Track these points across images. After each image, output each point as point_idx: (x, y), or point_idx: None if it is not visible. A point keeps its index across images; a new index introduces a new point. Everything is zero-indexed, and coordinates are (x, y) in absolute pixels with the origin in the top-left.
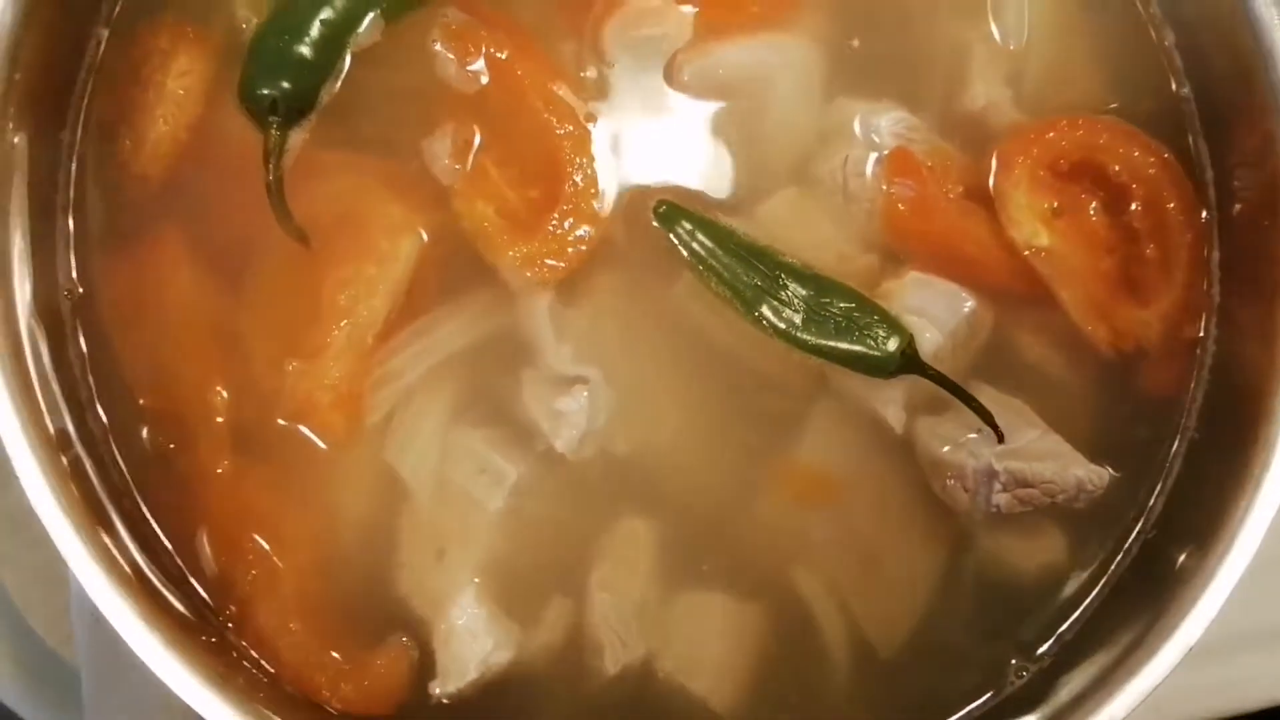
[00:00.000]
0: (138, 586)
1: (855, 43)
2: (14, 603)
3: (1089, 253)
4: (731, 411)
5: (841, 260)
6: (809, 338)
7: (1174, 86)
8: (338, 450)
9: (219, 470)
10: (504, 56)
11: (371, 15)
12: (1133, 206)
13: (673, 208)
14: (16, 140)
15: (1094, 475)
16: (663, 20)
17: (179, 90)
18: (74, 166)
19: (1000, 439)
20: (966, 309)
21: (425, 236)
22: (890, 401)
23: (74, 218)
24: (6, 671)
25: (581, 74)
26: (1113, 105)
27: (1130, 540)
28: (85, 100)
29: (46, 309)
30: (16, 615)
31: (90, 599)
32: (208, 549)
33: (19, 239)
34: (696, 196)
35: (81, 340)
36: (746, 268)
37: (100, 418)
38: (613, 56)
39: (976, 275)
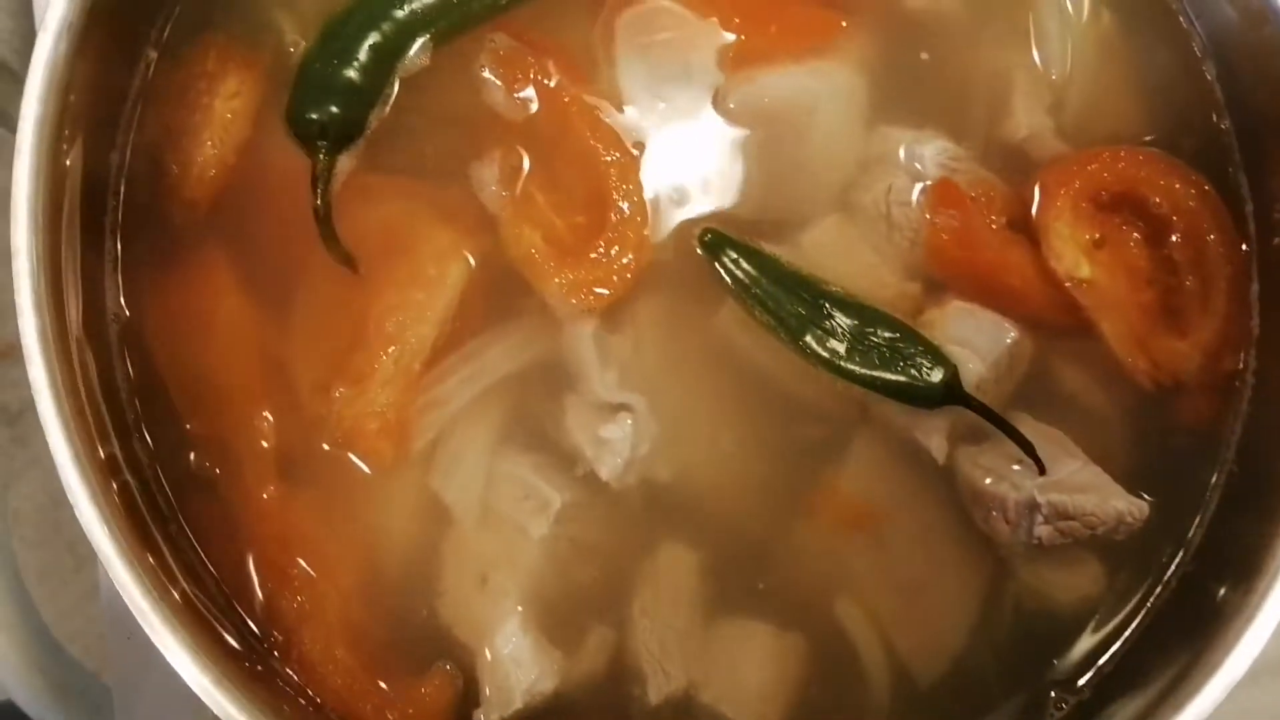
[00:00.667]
0: (185, 613)
1: (897, 70)
2: (36, 607)
3: (1129, 284)
4: (774, 439)
5: (884, 288)
6: (853, 367)
7: (1215, 119)
8: (383, 476)
9: (264, 496)
10: (551, 83)
11: (421, 40)
12: (1173, 238)
13: (718, 236)
14: (69, 161)
15: (1134, 508)
16: (679, 24)
17: (227, 114)
18: (123, 189)
19: (1041, 471)
20: (1009, 340)
21: (472, 262)
22: (933, 431)
23: (122, 241)
24: (31, 682)
25: (626, 103)
26: (1152, 137)
27: (1169, 573)
28: (134, 122)
29: (94, 332)
30: (39, 621)
31: (128, 618)
32: (253, 575)
33: (72, 261)
34: (740, 223)
35: (128, 364)
36: (791, 296)
37: (146, 443)
38: (625, 62)
39: (1018, 305)
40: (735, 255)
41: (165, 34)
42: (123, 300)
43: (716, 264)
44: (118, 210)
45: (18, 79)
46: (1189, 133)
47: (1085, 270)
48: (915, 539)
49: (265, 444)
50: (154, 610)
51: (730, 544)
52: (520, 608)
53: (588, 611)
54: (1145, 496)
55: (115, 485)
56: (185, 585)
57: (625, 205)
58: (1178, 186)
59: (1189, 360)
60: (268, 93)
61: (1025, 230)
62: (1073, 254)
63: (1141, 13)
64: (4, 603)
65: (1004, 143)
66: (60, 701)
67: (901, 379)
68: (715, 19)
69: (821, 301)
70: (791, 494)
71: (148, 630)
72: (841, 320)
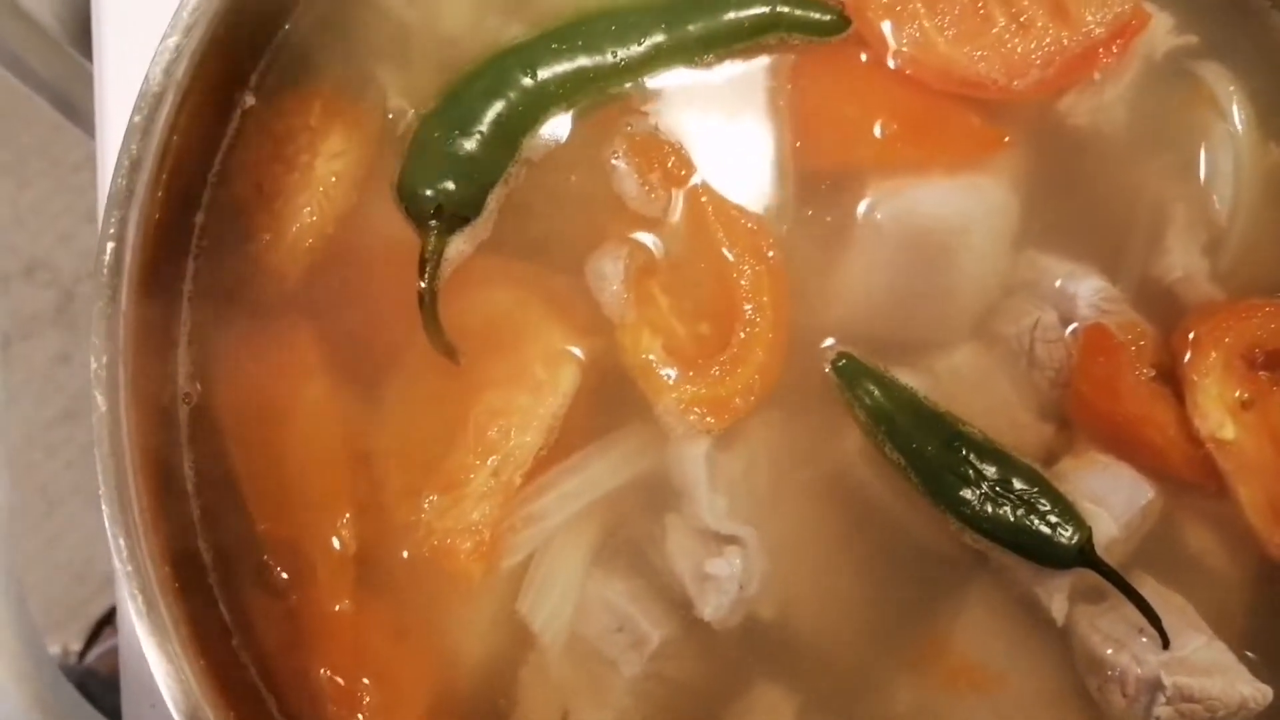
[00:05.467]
0: None
1: (1052, 192)
2: (42, 640)
3: (1274, 450)
4: (886, 582)
5: (1018, 429)
6: (985, 520)
7: None
8: (466, 593)
9: (337, 608)
10: (689, 178)
11: (552, 116)
12: None
13: (853, 363)
14: (158, 215)
15: (1259, 694)
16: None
17: (330, 176)
18: (203, 253)
19: (1165, 644)
20: (1145, 501)
21: (583, 364)
22: (1055, 591)
23: (198, 311)
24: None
25: (767, 208)
26: None
27: None
28: (222, 178)
29: (162, 412)
30: (43, 652)
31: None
32: (319, 698)
33: (146, 331)
34: (873, 342)
35: (197, 451)
36: (927, 436)
37: (211, 543)
38: (768, 163)
39: (1154, 461)
40: (870, 385)
41: (266, 77)
42: (193, 376)
43: (848, 393)
44: (195, 276)
45: (55, 45)
46: None
47: (1230, 432)
48: (1024, 701)
49: (343, 550)
50: None
51: (831, 690)
52: None
53: None
54: (1251, 656)
55: (178, 587)
56: (244, 706)
57: (757, 319)
58: None
59: None
60: (375, 156)
61: (1169, 380)
62: (1219, 413)
63: None
64: (6, 630)
65: (1155, 282)
66: None
67: (1034, 537)
68: (878, 122)
69: (958, 444)
70: (900, 642)
71: None
72: (978, 466)
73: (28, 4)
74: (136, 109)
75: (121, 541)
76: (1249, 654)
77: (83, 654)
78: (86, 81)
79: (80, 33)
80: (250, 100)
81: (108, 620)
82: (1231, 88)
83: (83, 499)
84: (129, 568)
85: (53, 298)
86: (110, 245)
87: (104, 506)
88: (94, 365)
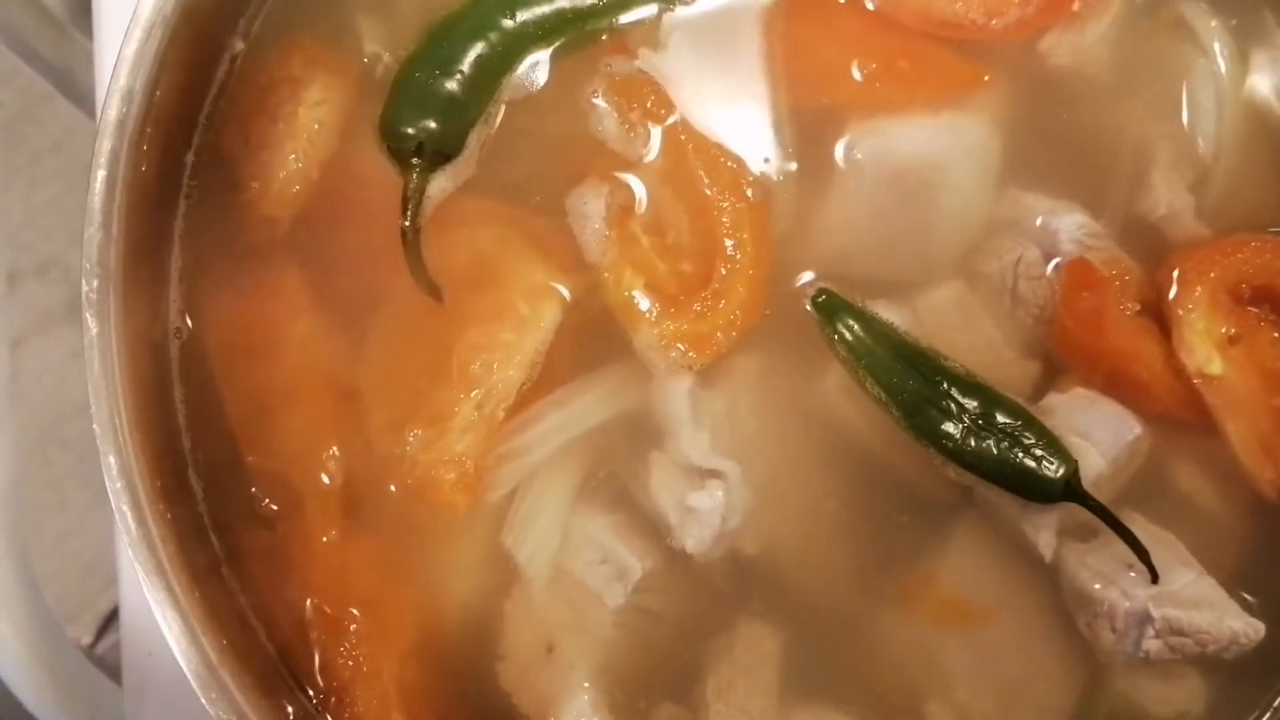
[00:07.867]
0: (232, 665)
1: (1034, 131)
2: (48, 603)
3: (1262, 385)
4: (871, 519)
5: (1002, 365)
6: (968, 453)
7: None
8: (452, 527)
9: (324, 539)
10: (669, 117)
11: (531, 57)
12: None
13: (833, 298)
14: (144, 168)
15: (1250, 629)
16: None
17: (313, 124)
18: (194, 194)
19: (1155, 579)
20: (1132, 436)
21: (568, 301)
22: (1043, 527)
23: (189, 248)
24: (38, 679)
25: (745, 145)
26: None
27: (1278, 701)
28: (212, 122)
29: (153, 346)
30: (50, 617)
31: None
32: (307, 627)
33: (136, 268)
34: (854, 280)
35: (186, 385)
36: (907, 370)
37: (200, 474)
38: (747, 103)
39: (1141, 397)
40: (850, 320)
41: (254, 23)
42: (184, 312)
43: (828, 328)
44: (186, 215)
45: (57, 24)
46: None
47: (1217, 367)
48: (1011, 638)
49: (330, 482)
50: (200, 661)
51: (815, 627)
52: (588, 683)
53: (658, 689)
54: (1249, 599)
55: (171, 516)
56: (233, 633)
57: (738, 255)
58: None
59: None
60: (356, 102)
61: (1155, 317)
62: (1205, 349)
63: None
64: (14, 596)
65: (1140, 219)
66: (67, 700)
67: (1019, 471)
68: (857, 62)
69: (939, 379)
70: (885, 579)
71: (194, 682)
72: (960, 401)
73: None
74: (126, 42)
75: (111, 459)
76: (1245, 595)
77: (93, 646)
78: (89, 62)
79: (82, 12)
80: (240, 45)
81: (117, 614)
82: (1213, 23)
83: (93, 493)
84: (119, 484)
85: (65, 296)
86: (101, 174)
87: (95, 426)
88: (85, 289)
